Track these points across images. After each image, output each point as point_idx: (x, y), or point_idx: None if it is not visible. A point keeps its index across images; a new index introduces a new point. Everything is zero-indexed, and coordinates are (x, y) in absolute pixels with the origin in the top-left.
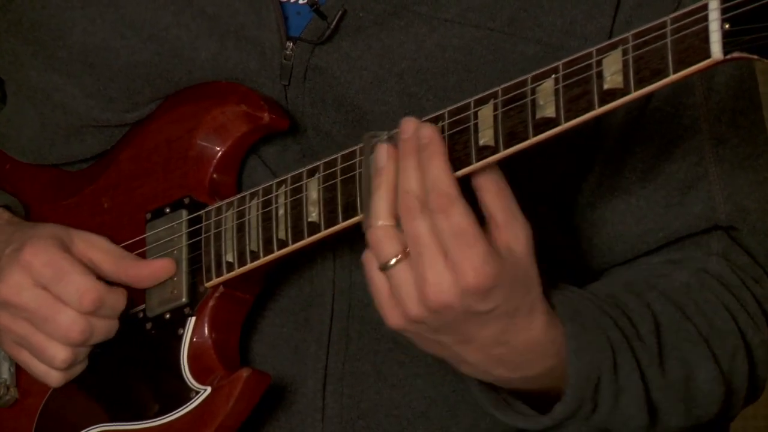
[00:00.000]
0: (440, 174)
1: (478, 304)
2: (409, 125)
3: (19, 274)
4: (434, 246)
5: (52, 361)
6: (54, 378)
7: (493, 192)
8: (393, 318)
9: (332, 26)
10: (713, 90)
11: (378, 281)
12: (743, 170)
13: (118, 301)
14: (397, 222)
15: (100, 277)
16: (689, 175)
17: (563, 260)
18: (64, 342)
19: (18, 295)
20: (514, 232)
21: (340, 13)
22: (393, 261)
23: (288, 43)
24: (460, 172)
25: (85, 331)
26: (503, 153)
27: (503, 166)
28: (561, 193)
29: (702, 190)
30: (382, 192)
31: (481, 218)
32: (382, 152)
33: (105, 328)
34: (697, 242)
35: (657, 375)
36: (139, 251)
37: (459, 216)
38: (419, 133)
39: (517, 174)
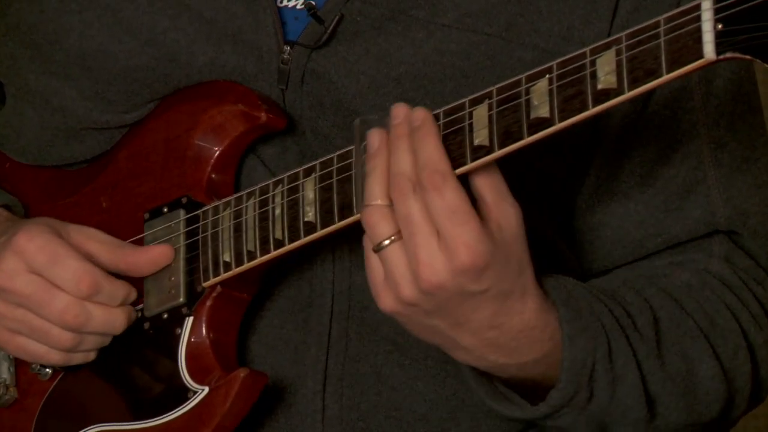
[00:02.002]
0: (433, 152)
1: (471, 284)
2: (400, 110)
3: (12, 259)
4: (426, 226)
5: (58, 342)
6: (54, 357)
7: (483, 173)
8: (386, 300)
9: (329, 31)
10: (712, 94)
11: (373, 263)
12: (742, 173)
13: (116, 288)
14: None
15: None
16: (688, 179)
17: (563, 263)
18: (61, 326)
19: (11, 280)
20: (504, 211)
21: (337, 17)
22: (387, 242)
23: (285, 47)
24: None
25: (80, 316)
26: (498, 153)
27: (502, 168)
28: (561, 196)
29: (701, 194)
30: (376, 174)
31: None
32: (375, 136)
33: (104, 316)
34: (699, 245)
35: (655, 367)
36: None
37: (451, 193)
38: (412, 116)
39: (517, 177)
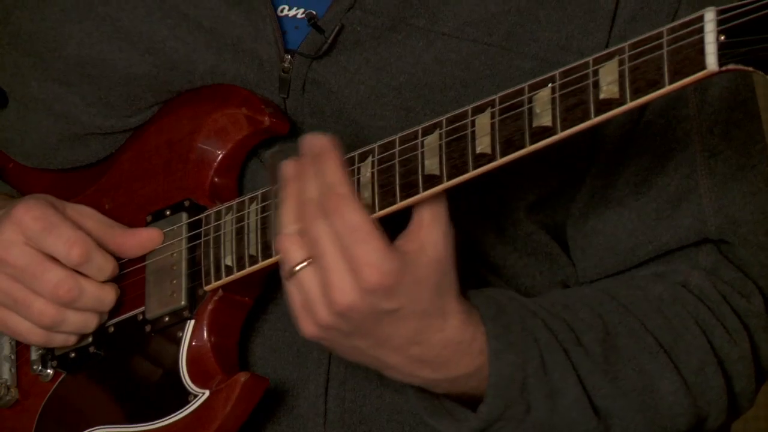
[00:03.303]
0: (332, 176)
1: (382, 303)
2: (306, 140)
3: (10, 230)
4: (334, 248)
5: (40, 317)
6: (36, 336)
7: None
8: (307, 327)
9: (329, 41)
10: (706, 102)
11: (291, 290)
12: (736, 181)
13: (106, 261)
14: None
15: None
16: (680, 187)
17: (560, 268)
18: (52, 300)
19: (6, 250)
20: (432, 233)
21: (337, 28)
22: (298, 267)
23: (286, 56)
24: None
25: (73, 290)
26: (500, 161)
27: (498, 172)
28: (556, 203)
29: (692, 202)
30: (287, 203)
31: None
32: (286, 167)
33: (95, 291)
34: (686, 255)
35: (602, 382)
36: None
37: (351, 213)
38: (312, 143)
39: (513, 185)
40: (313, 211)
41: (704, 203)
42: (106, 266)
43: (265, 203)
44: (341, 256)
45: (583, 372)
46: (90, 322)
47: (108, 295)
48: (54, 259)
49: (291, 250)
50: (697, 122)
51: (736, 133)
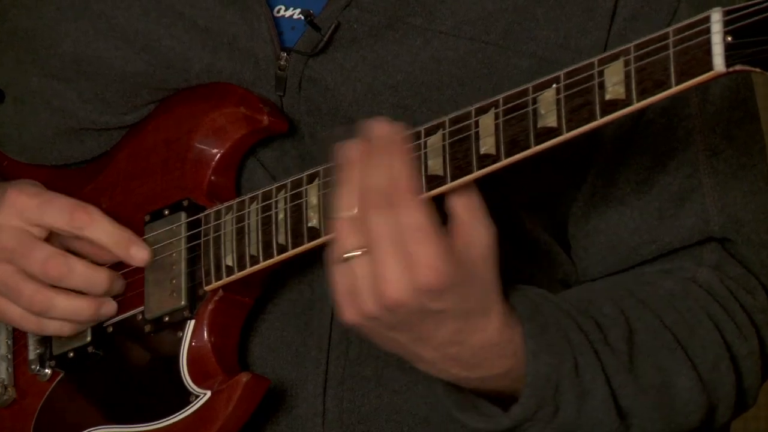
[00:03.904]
0: (401, 169)
1: (432, 303)
2: (375, 125)
3: (4, 212)
4: (392, 242)
5: (30, 303)
6: (29, 322)
7: (459, 192)
8: (348, 313)
9: (326, 38)
10: (708, 101)
11: (338, 274)
12: (738, 181)
13: (112, 224)
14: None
15: None
16: (683, 186)
17: (559, 267)
18: (42, 277)
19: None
20: (474, 231)
21: (334, 25)
22: (353, 254)
23: (282, 54)
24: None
25: (62, 266)
26: (504, 161)
27: (498, 171)
28: (556, 202)
29: (696, 202)
30: (348, 187)
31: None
32: (349, 149)
33: (86, 271)
34: (691, 253)
35: (627, 381)
36: None
37: (417, 213)
38: (383, 131)
39: (512, 183)
40: (375, 201)
41: (707, 202)
42: (113, 229)
43: (266, 203)
44: (399, 251)
45: (610, 372)
46: (82, 308)
47: (99, 276)
48: (44, 240)
49: (346, 236)
50: (699, 121)
51: (737, 132)
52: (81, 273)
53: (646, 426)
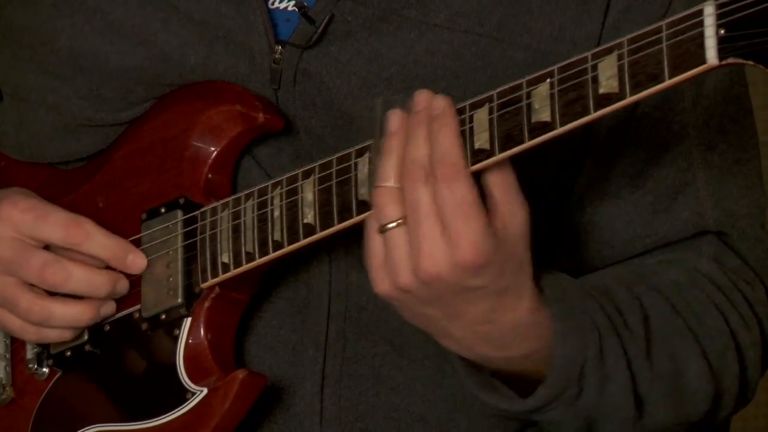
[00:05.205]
0: (450, 145)
1: (470, 280)
2: (422, 96)
3: (1, 227)
4: (433, 216)
5: (28, 314)
6: (29, 333)
7: (495, 170)
8: (383, 284)
9: (320, 30)
10: (702, 95)
11: (374, 244)
12: (732, 175)
13: (108, 237)
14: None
15: None
16: (678, 180)
17: (556, 262)
18: (40, 283)
19: None
20: (511, 210)
21: (327, 17)
22: (392, 225)
23: (277, 47)
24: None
25: (59, 272)
26: (499, 156)
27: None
28: (552, 195)
29: (690, 195)
30: (392, 157)
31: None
32: (395, 118)
33: (85, 275)
34: (688, 245)
35: (644, 366)
36: None
37: (463, 188)
38: (433, 104)
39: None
40: (419, 173)
41: (702, 196)
42: (108, 242)
43: (261, 199)
44: (440, 225)
45: (630, 356)
46: (81, 313)
47: (100, 279)
48: (42, 247)
49: (387, 206)
50: (693, 115)
51: (731, 127)
52: (80, 278)
53: (657, 415)
